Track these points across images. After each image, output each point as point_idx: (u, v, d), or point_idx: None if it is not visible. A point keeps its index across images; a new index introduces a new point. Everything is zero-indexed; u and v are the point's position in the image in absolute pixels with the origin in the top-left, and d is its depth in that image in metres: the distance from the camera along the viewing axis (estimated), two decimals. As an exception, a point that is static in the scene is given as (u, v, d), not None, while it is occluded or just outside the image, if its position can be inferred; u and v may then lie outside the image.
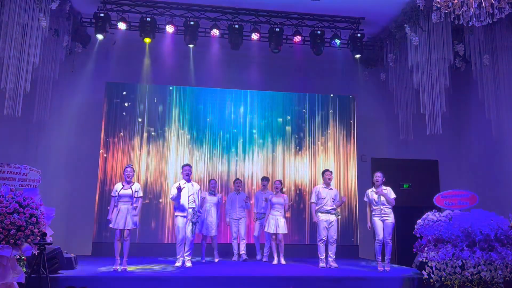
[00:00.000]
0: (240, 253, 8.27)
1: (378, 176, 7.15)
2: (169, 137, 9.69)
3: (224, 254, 8.47)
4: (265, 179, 8.73)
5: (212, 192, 8.12)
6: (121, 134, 9.53)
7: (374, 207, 7.03)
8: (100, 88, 9.65)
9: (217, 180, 9.43)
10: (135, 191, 6.71)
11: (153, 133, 9.64)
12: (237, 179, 8.84)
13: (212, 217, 7.94)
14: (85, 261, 7.46)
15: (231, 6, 8.89)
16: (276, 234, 7.77)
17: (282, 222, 7.81)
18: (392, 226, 6.99)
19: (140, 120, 9.64)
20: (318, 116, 10.22)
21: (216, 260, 7.98)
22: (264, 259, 8.23)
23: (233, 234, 8.39)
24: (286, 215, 8.04)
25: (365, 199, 7.23)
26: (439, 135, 8.40)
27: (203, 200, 7.84)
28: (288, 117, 10.12)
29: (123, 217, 6.54)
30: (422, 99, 8.35)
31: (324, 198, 7.33)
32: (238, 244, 8.36)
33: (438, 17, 7.24)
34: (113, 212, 6.62)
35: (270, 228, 7.78)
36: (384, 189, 7.09)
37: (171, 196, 7.23)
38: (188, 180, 7.24)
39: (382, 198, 7.02)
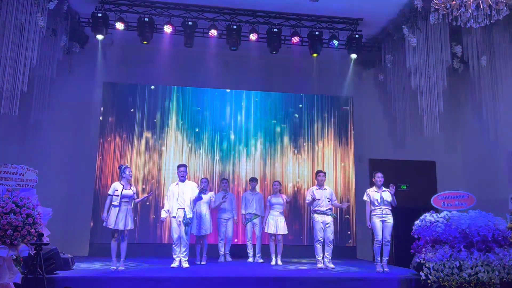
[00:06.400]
0: (225, 253, 8.23)
1: (381, 176, 7.14)
2: (167, 138, 9.68)
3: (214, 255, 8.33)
4: (253, 179, 8.57)
5: (204, 191, 7.83)
6: (119, 134, 9.50)
7: (376, 207, 7.01)
8: (98, 88, 9.63)
9: (215, 181, 9.44)
10: (134, 193, 6.75)
11: (150, 134, 9.63)
12: (223, 178, 8.70)
13: (203, 216, 7.75)
14: (82, 262, 7.44)
15: (229, 7, 8.88)
16: (275, 235, 7.76)
17: (282, 222, 7.80)
18: (392, 227, 7.00)
19: (137, 120, 9.61)
20: (316, 117, 10.22)
21: (203, 262, 7.72)
22: (259, 260, 8.19)
23: (220, 235, 8.23)
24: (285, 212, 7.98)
25: (365, 198, 7.18)
26: (437, 136, 8.42)
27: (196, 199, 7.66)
28: (286, 118, 10.12)
29: (123, 218, 6.54)
30: (420, 100, 8.37)
31: (319, 199, 7.33)
32: (225, 245, 8.28)
33: (436, 18, 7.28)
34: (110, 212, 6.58)
35: (270, 229, 7.75)
36: (384, 190, 7.10)
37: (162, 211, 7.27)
38: (182, 180, 7.21)
39: (387, 198, 7.02)
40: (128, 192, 6.66)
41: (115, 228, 6.53)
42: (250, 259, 8.22)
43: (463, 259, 5.93)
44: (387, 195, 7.06)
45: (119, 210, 6.56)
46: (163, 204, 9.21)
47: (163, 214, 7.22)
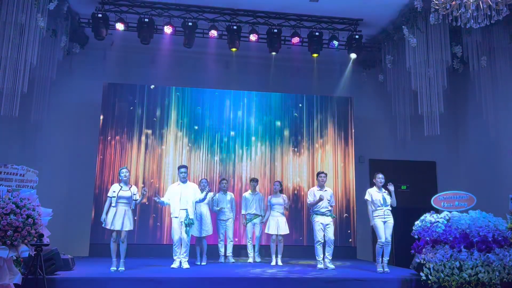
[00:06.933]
0: (228, 255, 8.17)
1: (382, 177, 7.12)
2: (167, 138, 9.68)
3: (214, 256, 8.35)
4: (254, 180, 8.55)
5: (207, 192, 7.87)
6: (119, 134, 9.51)
7: (378, 208, 6.99)
8: (98, 89, 9.63)
9: (216, 181, 9.42)
10: (133, 194, 6.73)
11: (150, 134, 9.63)
12: (223, 179, 8.65)
13: (204, 217, 7.74)
14: (82, 262, 7.44)
15: (229, 7, 8.89)
16: (277, 235, 7.74)
17: (282, 222, 7.79)
18: (392, 227, 7.00)
19: (137, 120, 9.62)
20: (316, 117, 10.22)
21: (204, 263, 7.72)
22: (257, 260, 8.19)
23: (220, 236, 8.20)
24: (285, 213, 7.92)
25: (367, 197, 7.10)
26: (437, 136, 8.42)
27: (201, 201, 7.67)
28: (286, 118, 10.12)
29: (120, 219, 6.53)
30: (420, 100, 8.38)
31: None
32: (225, 246, 8.23)
33: (436, 18, 7.29)
34: (108, 213, 6.61)
35: (271, 230, 7.74)
36: (384, 192, 7.09)
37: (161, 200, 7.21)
38: (184, 182, 7.21)
39: (388, 199, 7.02)
40: (126, 193, 6.66)
41: (112, 228, 6.54)
42: (250, 260, 8.21)
43: (463, 259, 5.93)
44: (388, 197, 7.07)
45: (116, 210, 6.58)
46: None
47: (165, 199, 7.12)
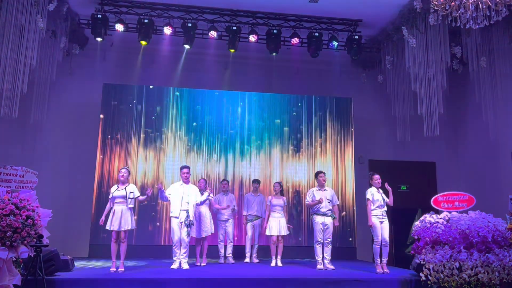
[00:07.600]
0: (227, 255, 8.16)
1: (379, 178, 7.13)
2: (167, 139, 9.69)
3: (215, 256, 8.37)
4: (256, 181, 8.58)
5: (201, 192, 7.65)
6: (119, 135, 9.51)
7: (377, 208, 6.99)
8: (98, 90, 9.63)
9: (217, 182, 9.43)
10: (130, 192, 6.66)
11: (150, 135, 9.63)
12: (224, 180, 8.65)
13: (204, 218, 7.75)
14: (82, 263, 7.43)
15: (229, 8, 8.89)
16: (277, 236, 7.74)
17: (284, 223, 7.79)
18: (389, 227, 7.01)
19: (137, 121, 9.63)
20: (315, 118, 10.22)
21: (203, 264, 7.71)
22: (255, 260, 8.20)
23: (219, 236, 8.19)
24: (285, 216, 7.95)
25: (369, 196, 7.05)
26: (437, 137, 8.43)
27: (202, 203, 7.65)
28: (286, 119, 10.12)
29: (118, 219, 6.51)
30: (420, 101, 8.38)
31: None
32: (225, 246, 8.22)
33: (436, 19, 7.30)
34: (108, 214, 6.62)
35: (273, 231, 7.73)
36: (381, 192, 7.10)
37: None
38: (186, 182, 7.20)
39: (386, 199, 7.03)
40: (121, 192, 6.63)
41: (112, 229, 6.54)
42: (247, 260, 8.23)
43: (463, 260, 5.93)
44: (385, 196, 7.09)
45: (114, 211, 6.58)
46: (162, 204, 9.26)
47: (167, 194, 7.08)
